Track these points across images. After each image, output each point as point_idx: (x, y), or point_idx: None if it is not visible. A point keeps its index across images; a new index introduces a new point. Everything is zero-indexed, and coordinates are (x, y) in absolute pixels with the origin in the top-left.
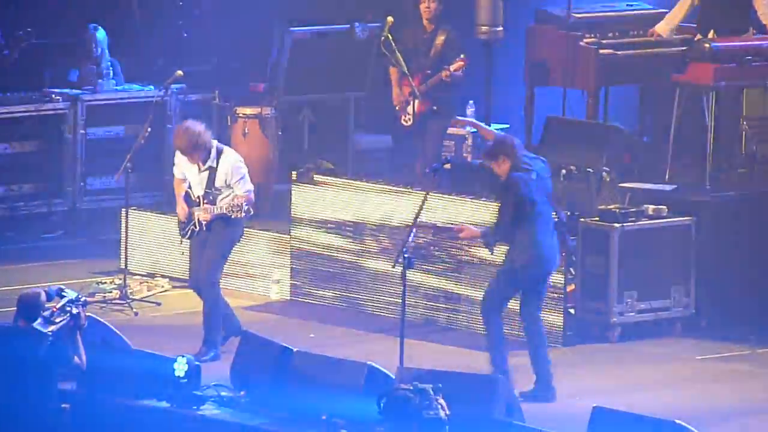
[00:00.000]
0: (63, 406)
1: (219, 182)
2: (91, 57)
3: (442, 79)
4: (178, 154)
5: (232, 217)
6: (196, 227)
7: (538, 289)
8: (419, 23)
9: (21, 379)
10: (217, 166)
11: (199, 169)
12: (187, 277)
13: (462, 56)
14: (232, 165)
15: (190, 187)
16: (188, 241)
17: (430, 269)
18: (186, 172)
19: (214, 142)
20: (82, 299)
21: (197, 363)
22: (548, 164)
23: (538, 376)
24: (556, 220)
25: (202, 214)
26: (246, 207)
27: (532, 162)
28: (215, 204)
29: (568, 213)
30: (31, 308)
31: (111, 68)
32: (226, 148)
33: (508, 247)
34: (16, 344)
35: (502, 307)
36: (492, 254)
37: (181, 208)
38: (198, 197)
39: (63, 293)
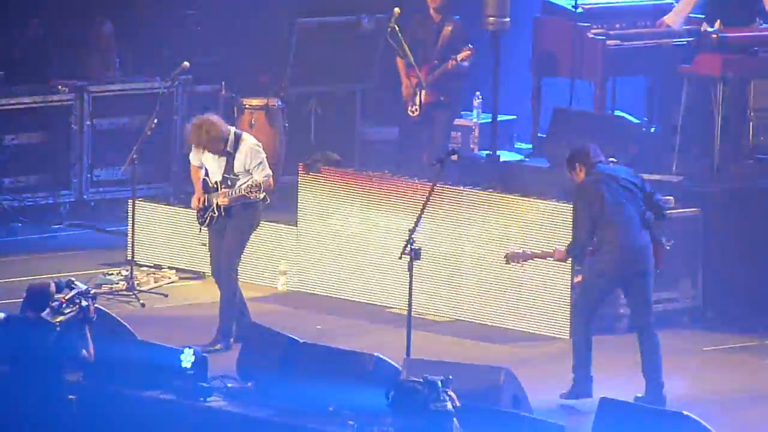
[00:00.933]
0: (69, 397)
1: (237, 167)
2: (98, 48)
3: (448, 69)
4: None
5: (251, 198)
6: (215, 213)
7: (636, 294)
8: (426, 14)
9: (28, 370)
10: (235, 152)
11: (219, 155)
12: (193, 269)
13: (469, 46)
14: (250, 150)
15: (207, 175)
16: (206, 229)
17: (436, 260)
18: (203, 158)
19: (231, 129)
20: (91, 292)
21: (204, 354)
22: (633, 172)
23: (648, 381)
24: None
25: (220, 199)
26: (264, 185)
27: (610, 168)
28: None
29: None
30: (40, 299)
31: (117, 60)
32: (244, 134)
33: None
34: (24, 334)
35: (589, 318)
36: (571, 262)
37: (196, 197)
38: (216, 183)
39: (73, 285)
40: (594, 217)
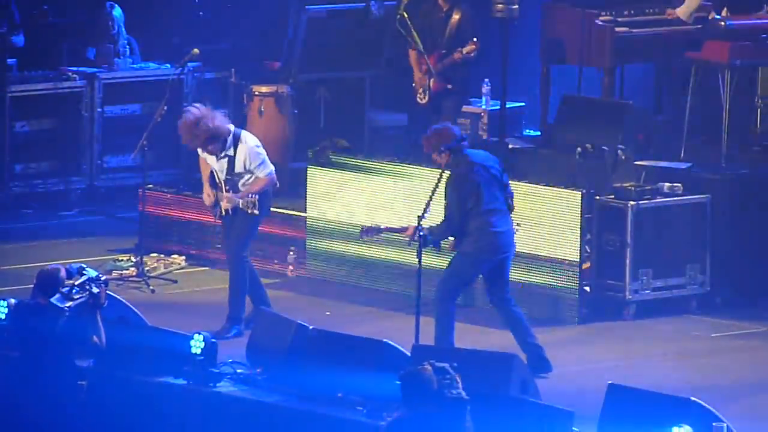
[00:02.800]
0: (80, 382)
1: (238, 168)
2: (108, 35)
3: (455, 60)
4: None
5: (249, 212)
6: (222, 209)
7: (499, 274)
8: (434, 2)
9: (38, 355)
10: (234, 154)
11: (217, 157)
12: (203, 256)
13: (474, 39)
14: (249, 151)
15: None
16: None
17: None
18: (206, 157)
19: (231, 128)
20: (102, 278)
21: (214, 340)
22: (492, 154)
23: (528, 354)
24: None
25: (224, 204)
26: (267, 182)
27: (479, 156)
28: (237, 189)
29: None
30: (50, 284)
31: (128, 46)
32: (243, 133)
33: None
34: (34, 320)
35: (457, 295)
36: (438, 253)
37: (207, 193)
38: (221, 181)
39: (84, 271)
40: (469, 207)
